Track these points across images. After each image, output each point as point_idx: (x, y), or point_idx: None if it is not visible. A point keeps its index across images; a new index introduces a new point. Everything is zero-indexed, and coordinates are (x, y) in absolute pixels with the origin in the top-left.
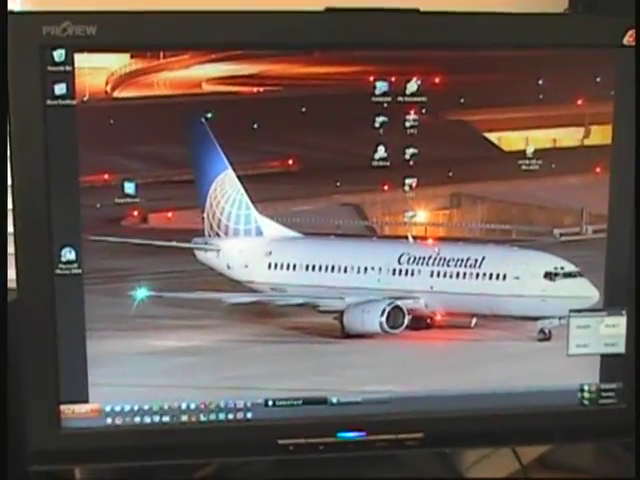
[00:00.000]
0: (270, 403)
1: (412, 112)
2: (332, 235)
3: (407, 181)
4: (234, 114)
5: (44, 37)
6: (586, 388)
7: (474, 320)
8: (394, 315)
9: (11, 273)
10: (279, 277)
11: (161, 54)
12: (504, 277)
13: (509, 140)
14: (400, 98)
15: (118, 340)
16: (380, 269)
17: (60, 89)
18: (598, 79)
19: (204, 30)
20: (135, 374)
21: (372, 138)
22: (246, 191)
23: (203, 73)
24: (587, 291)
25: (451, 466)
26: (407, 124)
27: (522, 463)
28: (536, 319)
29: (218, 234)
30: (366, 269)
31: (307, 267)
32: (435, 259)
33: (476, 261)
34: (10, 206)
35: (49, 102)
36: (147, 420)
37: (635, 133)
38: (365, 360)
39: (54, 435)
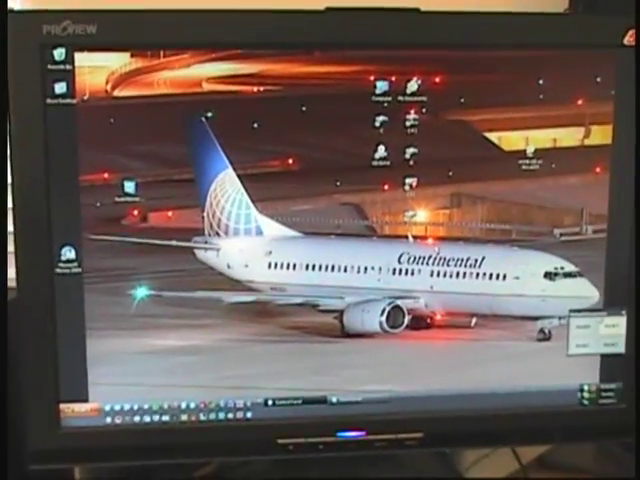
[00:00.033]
0: (270, 402)
1: (412, 112)
2: (332, 235)
3: (407, 181)
4: (234, 113)
5: (44, 36)
6: (586, 388)
7: (474, 320)
8: (394, 315)
9: (11, 272)
10: (279, 276)
11: (161, 53)
12: (504, 277)
13: (509, 140)
14: (400, 98)
15: (118, 339)
16: (380, 269)
17: (60, 88)
18: (598, 79)
19: (204, 29)
20: (135, 373)
21: (372, 138)
22: (246, 190)
23: (203, 72)
24: (587, 291)
25: (451, 466)
26: (407, 124)
27: (522, 463)
28: (536, 319)
29: (218, 233)
30: (366, 269)
31: (307, 266)
32: (435, 259)
33: (476, 261)
34: (10, 205)
35: (49, 101)
36: (147, 419)
37: (635, 133)
38: (365, 360)
39: (54, 434)
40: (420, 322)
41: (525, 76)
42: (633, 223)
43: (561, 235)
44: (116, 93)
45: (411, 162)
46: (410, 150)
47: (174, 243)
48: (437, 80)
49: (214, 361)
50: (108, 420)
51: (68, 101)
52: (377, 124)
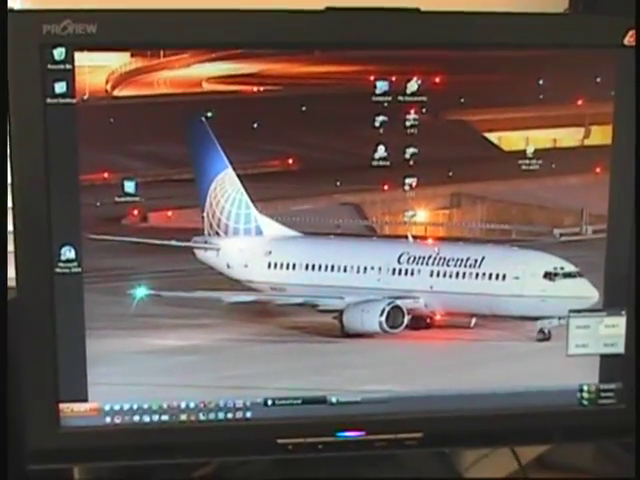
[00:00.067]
0: (269, 402)
1: (412, 112)
2: (332, 234)
3: (407, 181)
4: (234, 113)
5: (44, 35)
6: (585, 388)
7: (474, 320)
8: (394, 315)
9: (10, 271)
10: (279, 276)
11: (161, 53)
12: (504, 277)
13: (509, 140)
14: (400, 98)
15: (117, 339)
16: (380, 269)
17: (60, 87)
18: (598, 79)
19: (204, 29)
20: (134, 373)
21: (372, 137)
22: (246, 190)
23: (203, 72)
24: (587, 291)
25: (450, 466)
26: (407, 124)
27: (521, 463)
28: (536, 319)
29: (218, 233)
30: (366, 269)
31: (307, 266)
32: (435, 259)
33: (476, 261)
34: (10, 204)
35: (49, 100)
36: (146, 419)
37: (635, 133)
38: (364, 360)
39: (53, 434)
40: (420, 322)
41: (525, 76)
42: (633, 223)
43: (561, 235)
44: (116, 93)
45: (411, 162)
46: (410, 150)
47: (174, 243)
48: (437, 80)
49: (214, 361)
50: (107, 420)
51: (68, 101)
52: (377, 124)
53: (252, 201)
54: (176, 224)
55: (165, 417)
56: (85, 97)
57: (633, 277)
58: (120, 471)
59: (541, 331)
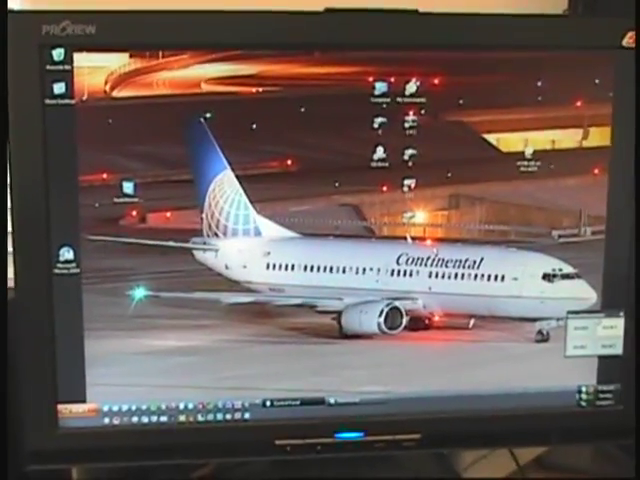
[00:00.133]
0: (268, 403)
1: (411, 113)
2: (331, 236)
3: (406, 182)
4: (233, 114)
5: (43, 36)
6: (583, 389)
7: (472, 321)
8: (392, 316)
9: (10, 272)
10: (277, 277)
11: (160, 54)
12: (502, 278)
13: (508, 141)
14: (399, 99)
15: (116, 340)
16: (378, 270)
17: (59, 88)
18: (597, 81)
19: (203, 30)
20: (133, 374)
21: (371, 139)
22: (245, 191)
23: (202, 73)
24: (585, 292)
25: (449, 467)
26: (406, 125)
27: (519, 464)
28: (534, 320)
29: (217, 234)
30: (364, 270)
31: (305, 267)
32: (433, 260)
33: (474, 262)
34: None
35: (48, 101)
36: (145, 420)
37: (635, 135)
38: (363, 361)
39: (52, 435)
40: (418, 323)
41: (524, 78)
42: (631, 225)
43: (559, 236)
44: (115, 93)
45: (410, 163)
46: (409, 151)
47: (172, 244)
48: (436, 81)
49: (212, 362)
50: (106, 421)
51: (67, 101)
52: (376, 125)
53: (251, 202)
54: (175, 225)
55: (164, 418)
56: (84, 98)
57: (632, 278)
58: (119, 472)
59: (539, 332)
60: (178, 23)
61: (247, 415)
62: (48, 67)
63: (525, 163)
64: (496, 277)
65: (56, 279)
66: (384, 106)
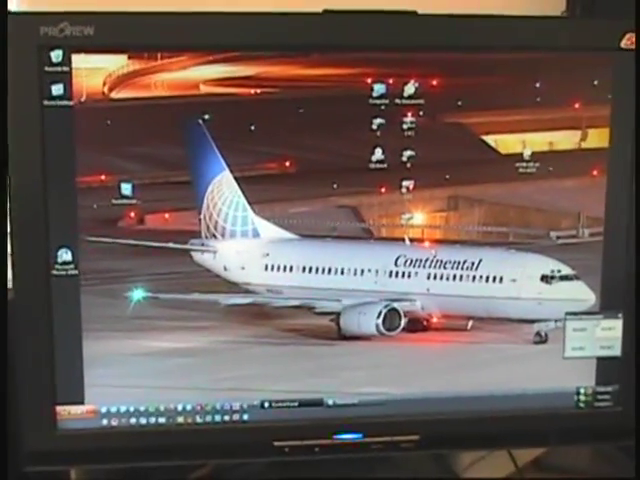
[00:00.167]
0: (266, 405)
1: (409, 114)
2: (329, 237)
3: (404, 183)
4: (231, 116)
5: (41, 37)
6: (582, 391)
7: (470, 322)
8: (390, 317)
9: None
10: (276, 279)
11: (158, 55)
12: (501, 280)
13: (506, 143)
14: (397, 100)
15: (114, 341)
16: (377, 271)
17: (57, 90)
18: (595, 82)
19: (202, 31)
20: (131, 375)
21: (369, 140)
22: (243, 192)
23: (200, 74)
24: (583, 294)
25: (447, 468)
26: (404, 126)
27: (517, 465)
28: (532, 322)
29: (215, 235)
30: (363, 271)
31: (304, 269)
32: (432, 261)
33: (473, 264)
34: None
35: (46, 103)
36: (143, 421)
37: (635, 136)
38: (361, 362)
39: (50, 436)
40: (416, 325)
41: (522, 79)
42: (630, 226)
43: (558, 238)
44: (113, 95)
45: (408, 165)
46: (407, 153)
47: (171, 245)
48: (434, 83)
49: (210, 363)
50: (104, 422)
51: (65, 103)
52: (374, 127)
53: (249, 203)
54: (173, 226)
55: (162, 419)
56: (82, 99)
57: (630, 280)
58: (117, 473)
59: (538, 334)
60: (176, 25)
61: (245, 416)
62: (46, 68)
63: (523, 164)
64: (494, 278)
65: (54, 280)
66: (382, 107)
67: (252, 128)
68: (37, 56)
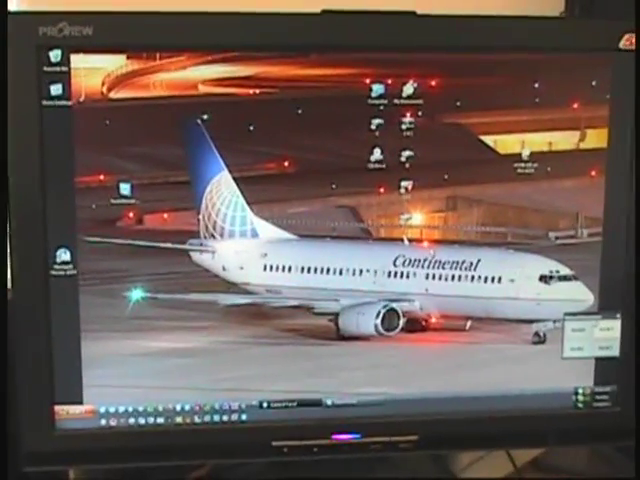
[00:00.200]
0: (265, 405)
1: (408, 115)
2: (327, 237)
3: (403, 184)
4: (230, 116)
5: (40, 37)
6: (580, 391)
7: (469, 323)
8: (389, 317)
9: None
10: (274, 279)
11: (157, 55)
12: (499, 280)
13: (505, 143)
14: (396, 101)
15: (113, 341)
16: (375, 271)
17: (56, 90)
18: (594, 83)
19: (201, 31)
20: (130, 375)
21: (368, 140)
22: (242, 193)
23: (199, 74)
24: (582, 294)
25: (445, 468)
26: (403, 127)
27: (516, 465)
28: (531, 322)
29: (213, 235)
30: (361, 271)
31: (302, 269)
32: (430, 262)
33: (471, 264)
34: None
35: (45, 102)
36: (142, 421)
37: (635, 137)
38: (360, 362)
39: (48, 436)
40: (415, 325)
41: (521, 79)
42: (628, 227)
43: (556, 238)
44: (112, 95)
45: (407, 165)
46: (406, 153)
47: (169, 245)
48: (433, 83)
49: (209, 363)
50: (103, 422)
51: (64, 103)
52: (373, 127)
53: (248, 203)
54: (172, 226)
55: (160, 419)
56: (81, 99)
57: (629, 280)
58: (115, 473)
59: (536, 334)
60: (175, 25)
61: (244, 416)
62: (45, 68)
63: (522, 165)
64: (493, 279)
65: (53, 280)
66: (381, 108)
67: (251, 128)
68: (36, 56)
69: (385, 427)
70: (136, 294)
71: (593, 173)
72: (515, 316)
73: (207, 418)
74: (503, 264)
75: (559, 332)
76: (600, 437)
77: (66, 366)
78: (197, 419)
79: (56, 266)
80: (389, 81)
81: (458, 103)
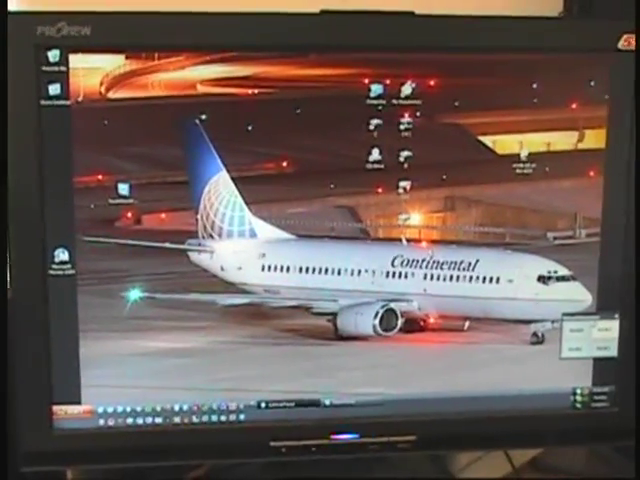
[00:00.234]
0: (263, 405)
1: (407, 115)
2: (326, 237)
3: (401, 184)
4: (229, 116)
5: (39, 37)
6: (578, 391)
7: (467, 323)
8: (387, 318)
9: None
10: (273, 279)
11: (156, 55)
12: (497, 280)
13: (503, 143)
14: (395, 101)
15: (111, 341)
16: (374, 272)
17: (54, 89)
18: (592, 83)
19: (199, 31)
20: (128, 375)
21: (366, 141)
22: (240, 193)
23: (198, 74)
24: (580, 295)
25: (444, 468)
26: (401, 127)
27: (514, 466)
28: (529, 322)
29: (212, 236)
30: (360, 271)
31: (301, 269)
32: (429, 262)
33: (470, 264)
34: None
35: (43, 102)
36: (140, 421)
37: (635, 137)
38: (358, 362)
39: (46, 436)
40: (413, 325)
41: (519, 80)
42: (627, 227)
43: (555, 239)
44: (110, 95)
45: (405, 165)
46: (404, 153)
47: (168, 245)
48: (431, 83)
49: (207, 363)
50: (101, 422)
51: (62, 103)
52: (371, 127)
53: (246, 203)
54: (170, 226)
55: (159, 419)
56: (79, 99)
57: (627, 280)
58: (113, 473)
59: (534, 334)
60: (174, 25)
61: (242, 417)
62: (43, 68)
63: (520, 165)
64: (491, 279)
65: (51, 280)
66: (380, 108)
67: (249, 128)
68: (34, 56)
69: (383, 427)
70: (134, 294)
71: (591, 173)
72: (513, 316)
73: (205, 418)
74: (501, 264)
75: (557, 332)
76: (598, 437)
77: (64, 366)
78: (195, 419)
79: (54, 266)
80: (388, 81)
81: (456, 103)
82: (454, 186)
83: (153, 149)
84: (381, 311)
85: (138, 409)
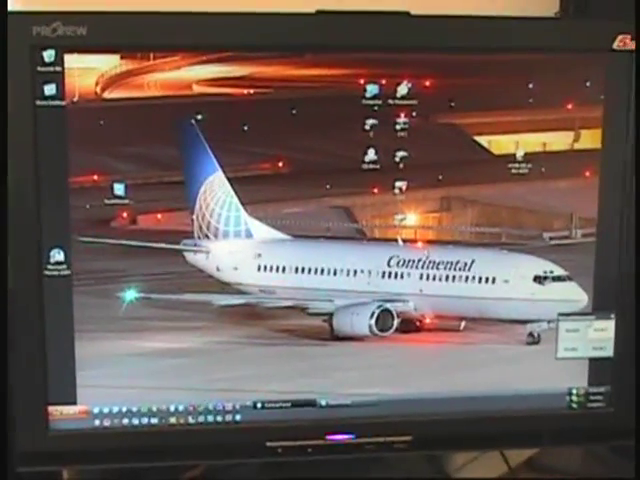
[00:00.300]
0: (259, 405)
1: (402, 115)
2: (322, 237)
3: (397, 184)
4: (224, 116)
5: (34, 37)
6: (574, 392)
7: (463, 323)
8: (383, 318)
9: None
10: (268, 279)
11: (151, 55)
12: (493, 280)
13: (499, 144)
14: (390, 101)
15: (107, 341)
16: (369, 272)
17: (50, 90)
18: (588, 83)
19: (195, 31)
20: (124, 376)
21: (362, 141)
22: (236, 193)
23: (193, 74)
24: (576, 295)
25: (440, 468)
26: (397, 127)
27: (510, 466)
28: (525, 322)
29: (207, 236)
30: (355, 272)
31: (296, 269)
32: (425, 262)
33: (465, 264)
34: None
35: (39, 102)
36: (135, 422)
37: (635, 137)
38: (354, 363)
39: (42, 436)
40: (409, 325)
41: (515, 80)
42: (622, 227)
43: (550, 239)
44: (106, 95)
45: (401, 165)
46: (400, 153)
47: (163, 246)
48: (427, 83)
49: (203, 364)
50: (97, 423)
51: (58, 103)
52: (367, 127)
53: (242, 204)
54: (166, 227)
55: (154, 420)
56: (75, 99)
57: (623, 281)
58: (109, 473)
59: (530, 334)
60: (169, 25)
61: (238, 417)
62: (39, 68)
63: (516, 165)
64: (487, 279)
65: (47, 281)
66: (375, 108)
67: (245, 128)
68: (29, 56)
69: (379, 427)
70: (130, 294)
71: (587, 173)
72: (509, 316)
73: (201, 418)
74: (497, 264)
75: (553, 332)
76: (594, 437)
77: (60, 366)
78: (191, 419)
79: (50, 266)
80: (383, 81)
81: (452, 103)
82: (450, 186)
83: (149, 149)
84: (377, 311)
85: (134, 409)
